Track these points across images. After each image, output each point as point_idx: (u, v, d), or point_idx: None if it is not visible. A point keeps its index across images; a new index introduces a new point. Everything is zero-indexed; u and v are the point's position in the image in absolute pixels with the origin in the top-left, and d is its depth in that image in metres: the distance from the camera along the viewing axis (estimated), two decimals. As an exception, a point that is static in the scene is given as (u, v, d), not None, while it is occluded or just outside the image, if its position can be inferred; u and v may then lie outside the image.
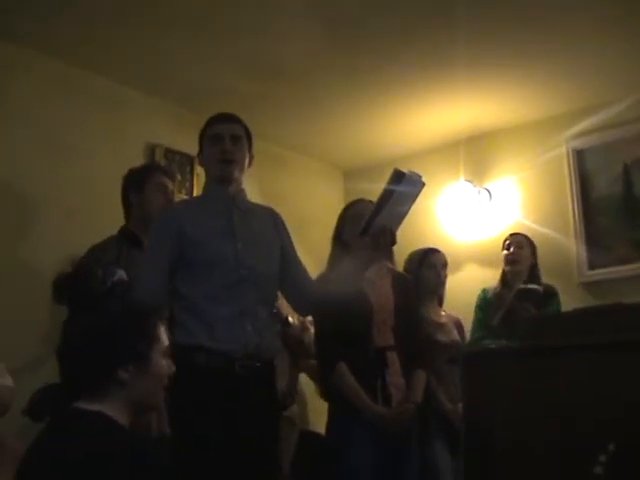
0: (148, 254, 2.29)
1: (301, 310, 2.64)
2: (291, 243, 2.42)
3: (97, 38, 3.20)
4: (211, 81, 3.61)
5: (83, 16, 3.01)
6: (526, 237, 3.51)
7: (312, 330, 3.34)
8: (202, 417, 2.04)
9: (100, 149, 3.44)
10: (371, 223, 2.22)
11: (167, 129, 3.76)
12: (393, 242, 2.30)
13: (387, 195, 2.18)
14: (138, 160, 3.54)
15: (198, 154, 2.40)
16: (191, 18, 3.09)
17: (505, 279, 3.43)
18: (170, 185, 2.96)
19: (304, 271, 2.41)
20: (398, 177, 2.16)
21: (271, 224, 2.39)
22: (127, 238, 2.82)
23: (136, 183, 2.91)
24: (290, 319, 3.22)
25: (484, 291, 3.47)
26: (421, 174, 2.22)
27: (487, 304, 3.38)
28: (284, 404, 3.23)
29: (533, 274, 3.42)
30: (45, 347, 2.66)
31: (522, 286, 3.19)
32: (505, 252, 3.47)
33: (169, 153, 3.73)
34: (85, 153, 3.38)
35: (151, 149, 3.70)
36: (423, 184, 2.21)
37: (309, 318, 3.30)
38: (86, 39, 3.20)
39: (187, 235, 2.19)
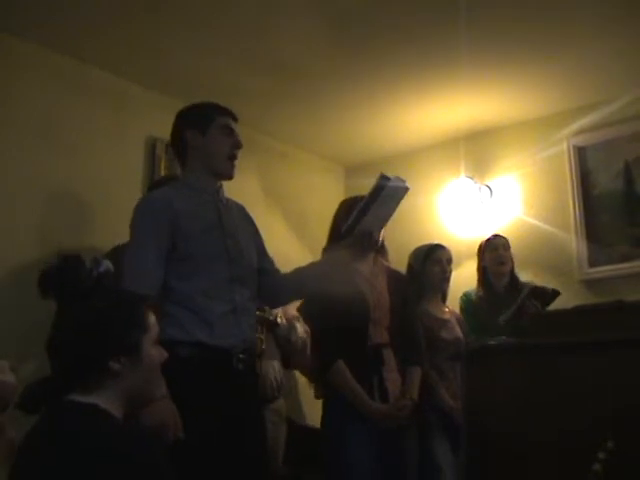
0: (147, 241, 2.10)
1: (270, 302, 2.62)
2: (260, 236, 2.41)
3: (99, 33, 3.19)
4: (213, 76, 3.60)
5: (85, 11, 3.01)
6: (506, 239, 3.58)
7: (299, 329, 3.38)
8: (204, 415, 2.01)
9: (101, 143, 3.44)
10: (356, 225, 2.24)
11: (168, 124, 3.73)
12: (375, 246, 2.33)
13: (373, 197, 2.19)
14: (139, 154, 3.55)
15: (192, 128, 2.25)
16: (193, 14, 3.09)
17: (485, 280, 3.48)
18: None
19: (272, 263, 2.41)
20: (383, 181, 2.18)
21: (245, 218, 2.37)
22: None
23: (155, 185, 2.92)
24: (279, 319, 3.24)
25: (468, 294, 3.51)
26: (404, 178, 2.25)
27: (474, 306, 3.44)
28: (272, 398, 3.24)
29: (513, 275, 3.51)
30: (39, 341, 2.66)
31: (534, 285, 3.22)
32: (490, 254, 3.51)
33: (170, 147, 3.72)
34: (86, 147, 3.38)
35: (152, 143, 3.70)
36: (407, 188, 2.24)
37: (296, 315, 3.33)
38: (88, 34, 3.20)
39: (181, 227, 2.11)
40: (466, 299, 3.49)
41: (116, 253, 2.76)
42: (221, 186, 2.29)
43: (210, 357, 2.06)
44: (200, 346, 2.05)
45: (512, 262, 3.52)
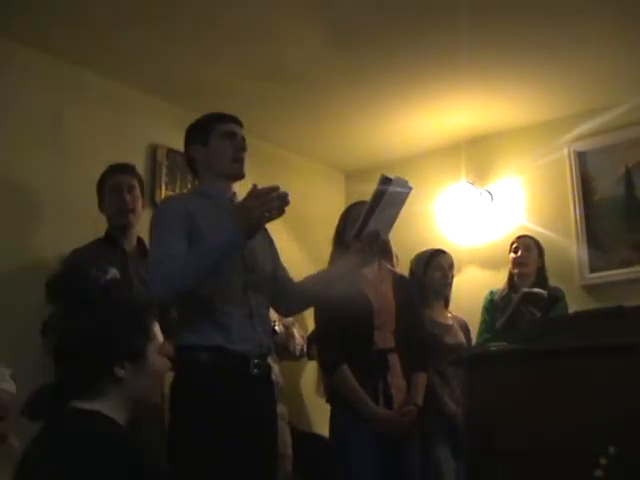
0: (165, 239, 2.11)
1: (283, 311, 2.61)
2: (275, 244, 2.43)
3: (100, 38, 3.20)
4: (213, 82, 3.61)
5: (86, 16, 3.02)
6: (533, 239, 3.52)
7: (296, 335, 3.38)
8: (222, 418, 2.03)
9: (102, 149, 3.44)
10: (363, 228, 2.24)
11: (169, 129, 3.76)
12: (384, 249, 2.33)
13: (377, 200, 2.20)
14: (140, 160, 3.55)
15: (194, 143, 2.29)
16: (194, 19, 3.09)
17: (512, 282, 3.44)
18: (127, 181, 2.96)
19: (286, 271, 2.42)
20: (385, 182, 2.19)
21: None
22: (105, 240, 2.91)
23: (98, 189, 3.01)
24: (277, 328, 3.25)
25: (491, 293, 3.47)
26: (406, 178, 2.25)
27: (493, 306, 3.39)
28: None
29: (540, 276, 3.43)
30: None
31: (526, 290, 3.18)
32: (512, 255, 3.47)
33: (171, 153, 3.73)
34: (87, 153, 3.38)
35: (153, 149, 3.70)
36: (410, 188, 2.24)
37: (291, 319, 3.33)
38: (89, 39, 3.20)
39: (197, 226, 2.13)
40: (489, 297, 3.46)
41: (79, 253, 2.79)
42: (235, 194, 2.30)
43: (228, 361, 2.08)
44: (219, 350, 2.08)
45: (538, 264, 3.44)
